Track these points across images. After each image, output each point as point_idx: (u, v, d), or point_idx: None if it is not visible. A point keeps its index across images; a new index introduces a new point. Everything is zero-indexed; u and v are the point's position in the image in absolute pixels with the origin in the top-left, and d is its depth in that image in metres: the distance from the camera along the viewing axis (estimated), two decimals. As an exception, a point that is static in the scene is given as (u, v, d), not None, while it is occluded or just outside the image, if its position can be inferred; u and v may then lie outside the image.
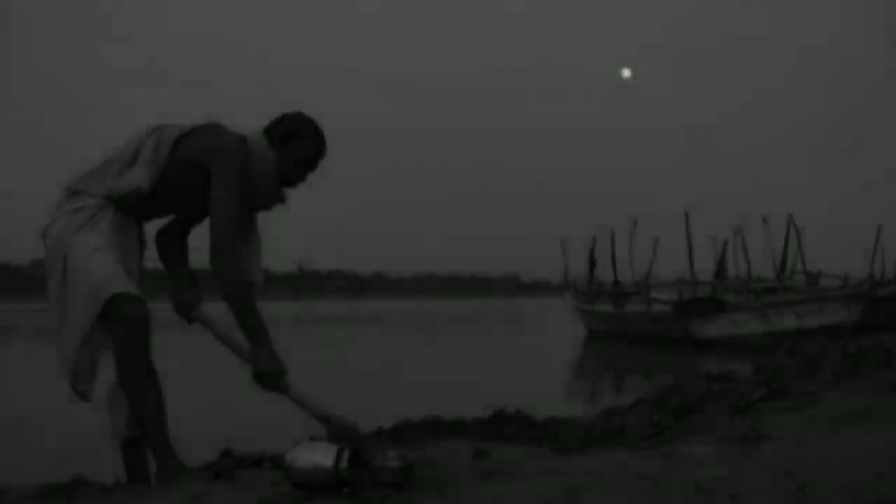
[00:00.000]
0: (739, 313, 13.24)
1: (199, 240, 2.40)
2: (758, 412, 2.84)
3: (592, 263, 18.24)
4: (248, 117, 2.40)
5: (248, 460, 2.18)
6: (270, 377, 2.19)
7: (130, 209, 2.29)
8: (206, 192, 2.22)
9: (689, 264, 14.87)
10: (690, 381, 4.93)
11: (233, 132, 2.31)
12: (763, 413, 2.76)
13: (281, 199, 2.41)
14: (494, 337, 18.58)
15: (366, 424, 3.41)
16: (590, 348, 14.32)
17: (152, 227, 2.52)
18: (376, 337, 18.86)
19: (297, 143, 2.32)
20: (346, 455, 1.76)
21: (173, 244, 2.55)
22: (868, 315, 12.12)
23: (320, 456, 1.77)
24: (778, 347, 5.34)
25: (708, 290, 14.99)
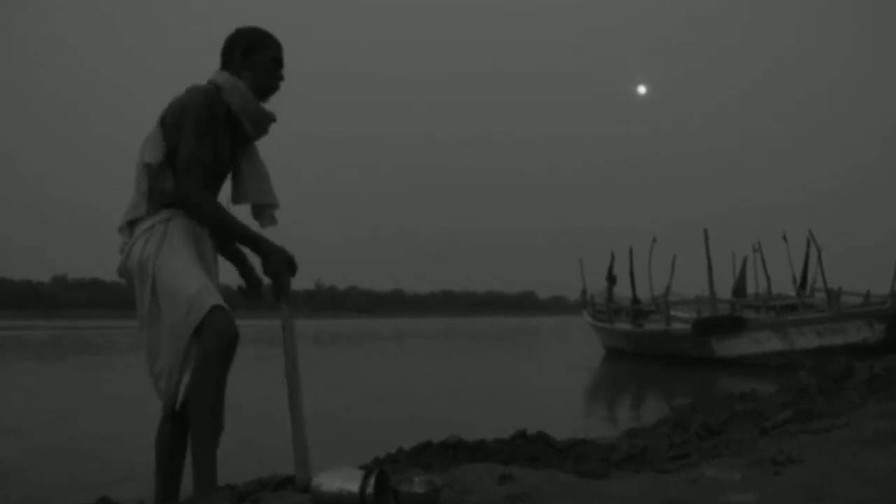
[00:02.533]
0: (760, 331, 13.10)
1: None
2: (784, 434, 2.81)
3: (612, 280, 18.14)
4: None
5: (272, 484, 2.17)
6: (282, 268, 2.25)
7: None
8: (213, 151, 2.30)
9: (709, 281, 14.75)
10: (713, 402, 4.89)
11: (195, 86, 2.35)
12: (789, 435, 2.73)
13: (271, 118, 2.47)
14: (512, 355, 18.49)
15: (387, 445, 3.43)
16: (608, 367, 14.21)
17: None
18: (394, 355, 18.83)
19: (261, 51, 2.41)
20: (372, 481, 1.75)
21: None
22: (891, 333, 11.94)
23: (347, 482, 1.76)
24: (802, 367, 5.30)
25: (727, 308, 14.85)
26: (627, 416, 6.60)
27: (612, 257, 18.25)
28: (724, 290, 15.99)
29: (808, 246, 15.28)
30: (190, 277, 2.18)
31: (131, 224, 2.31)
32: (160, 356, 2.20)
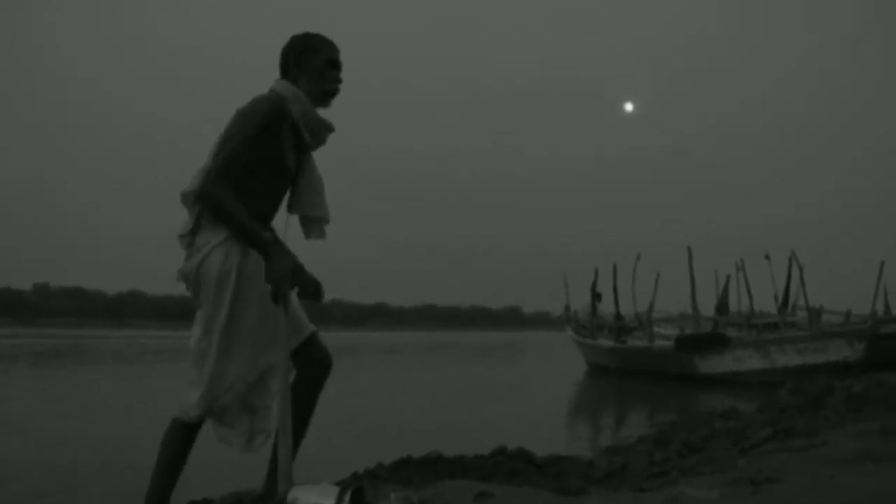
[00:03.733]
0: (743, 349, 13.17)
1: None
2: (763, 453, 2.81)
3: (596, 296, 18.20)
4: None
5: (250, 498, 2.15)
6: (283, 276, 2.19)
7: (259, 216, 2.31)
8: (267, 162, 2.30)
9: (692, 299, 14.83)
10: (693, 419, 4.91)
11: (256, 97, 2.32)
12: (768, 454, 2.73)
13: (329, 128, 2.45)
14: (495, 370, 18.46)
15: (367, 459, 3.40)
16: (591, 383, 14.22)
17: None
18: (376, 368, 18.75)
19: (314, 55, 2.38)
20: (347, 497, 1.74)
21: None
22: (871, 352, 12.04)
23: (322, 497, 1.75)
24: (783, 385, 5.33)
25: (710, 326, 14.93)
26: (608, 432, 6.60)
27: (596, 273, 18.33)
28: (708, 307, 16.10)
29: (791, 265, 15.42)
30: (271, 310, 2.19)
31: (187, 235, 2.30)
32: (230, 364, 2.20)
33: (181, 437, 2.18)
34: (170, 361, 18.32)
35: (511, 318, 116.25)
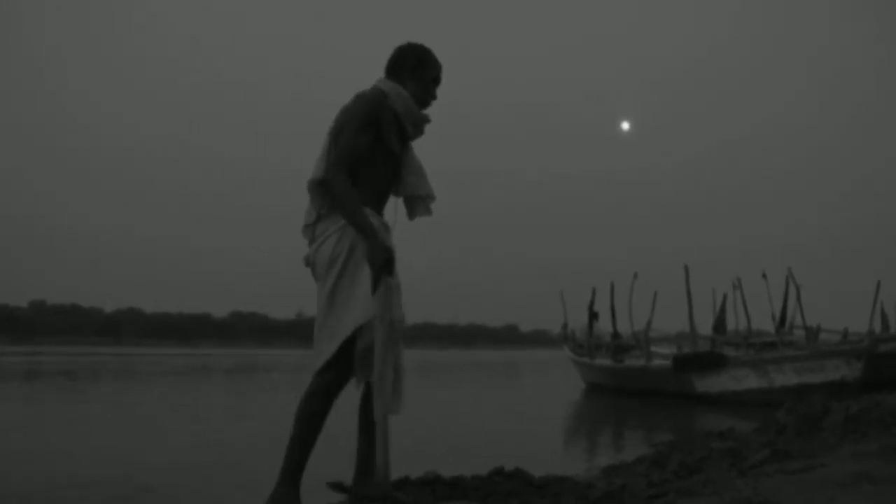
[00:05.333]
0: (740, 369, 13.15)
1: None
2: (761, 474, 2.81)
3: (593, 316, 18.20)
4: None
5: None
6: (378, 261, 2.50)
7: (376, 197, 2.67)
8: (377, 150, 2.62)
9: (689, 318, 14.82)
10: (691, 439, 4.89)
11: (363, 92, 2.66)
12: (766, 476, 2.73)
13: (427, 120, 2.79)
14: (493, 389, 18.40)
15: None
16: (588, 402, 14.18)
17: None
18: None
19: (428, 68, 2.75)
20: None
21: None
22: (869, 371, 12.03)
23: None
24: (781, 406, 5.32)
25: (707, 345, 14.92)
26: (606, 452, 6.57)
27: (594, 292, 18.33)
28: (705, 326, 16.10)
29: (788, 284, 15.44)
30: (367, 291, 2.48)
31: (311, 225, 2.64)
32: (320, 334, 2.52)
33: (321, 405, 2.53)
34: (163, 379, 18.23)
35: (509, 336, 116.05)
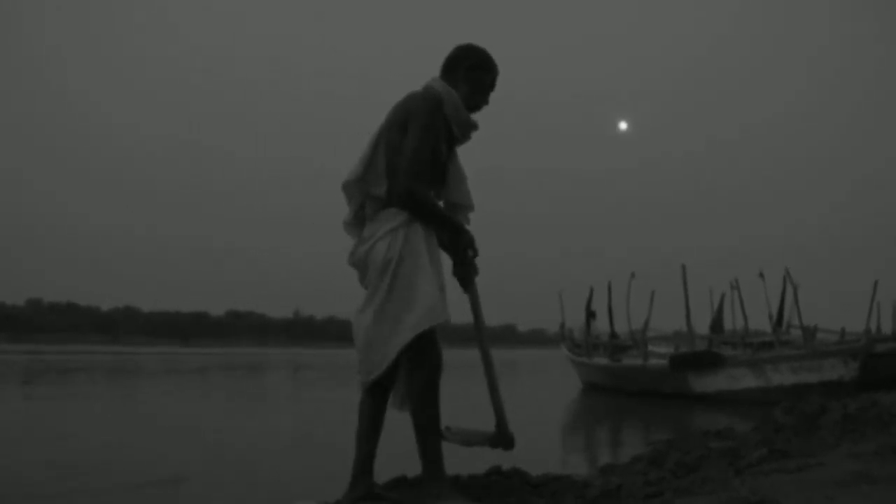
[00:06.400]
0: (737, 368, 13.16)
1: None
2: (758, 473, 2.80)
3: (591, 315, 18.20)
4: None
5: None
6: (467, 274, 2.63)
7: None
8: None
9: (686, 317, 14.83)
10: (688, 438, 4.89)
11: (421, 90, 2.62)
12: (764, 475, 2.72)
13: (475, 126, 2.73)
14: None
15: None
16: (586, 401, 14.18)
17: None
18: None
19: (483, 71, 2.68)
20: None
21: None
22: (866, 371, 12.04)
23: None
24: (777, 405, 5.32)
25: (705, 344, 14.93)
26: (603, 451, 6.57)
27: (591, 292, 18.33)
28: (702, 325, 16.12)
29: (785, 283, 15.44)
30: (426, 290, 2.49)
31: (353, 224, 2.66)
32: (376, 337, 2.51)
33: (365, 402, 2.64)
34: (153, 377, 18.21)
35: (505, 336, 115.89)
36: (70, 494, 4.15)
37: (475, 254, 2.64)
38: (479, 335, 2.78)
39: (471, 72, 2.67)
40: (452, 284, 2.78)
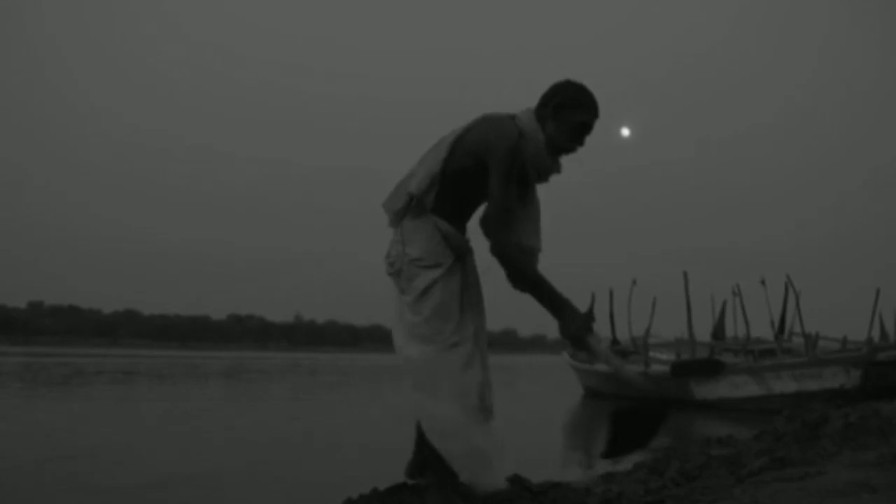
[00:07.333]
0: (738, 375, 13.14)
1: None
2: (759, 482, 2.80)
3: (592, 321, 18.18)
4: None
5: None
6: (576, 336, 2.52)
7: (448, 215, 2.54)
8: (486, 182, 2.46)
9: (688, 324, 14.82)
10: (690, 446, 4.88)
11: (504, 122, 2.44)
12: (764, 483, 2.72)
13: (556, 170, 2.57)
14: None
15: (362, 484, 3.37)
16: (587, 407, 14.16)
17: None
18: (374, 389, 18.64)
19: (570, 112, 2.46)
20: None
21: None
22: (867, 379, 12.01)
23: None
24: (779, 413, 5.31)
25: (706, 351, 14.91)
26: (604, 458, 6.54)
27: (593, 298, 18.30)
28: (704, 332, 16.08)
29: (787, 291, 15.43)
30: (447, 322, 2.49)
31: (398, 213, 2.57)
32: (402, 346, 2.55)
33: None
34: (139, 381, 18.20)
35: (507, 341, 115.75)
36: (71, 494, 4.15)
37: (589, 332, 2.55)
38: (618, 376, 2.99)
39: (559, 111, 2.47)
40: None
